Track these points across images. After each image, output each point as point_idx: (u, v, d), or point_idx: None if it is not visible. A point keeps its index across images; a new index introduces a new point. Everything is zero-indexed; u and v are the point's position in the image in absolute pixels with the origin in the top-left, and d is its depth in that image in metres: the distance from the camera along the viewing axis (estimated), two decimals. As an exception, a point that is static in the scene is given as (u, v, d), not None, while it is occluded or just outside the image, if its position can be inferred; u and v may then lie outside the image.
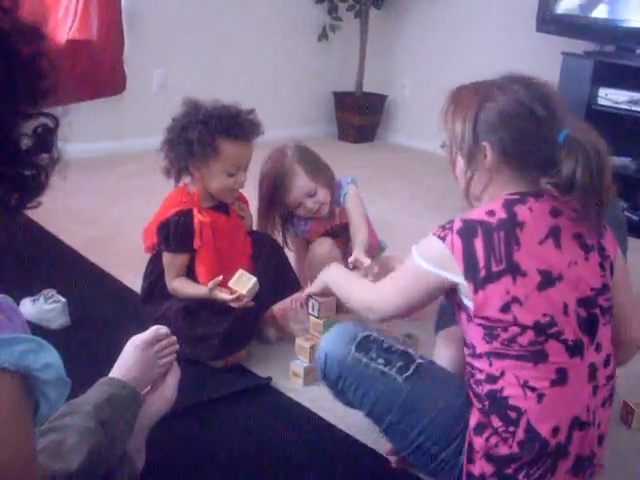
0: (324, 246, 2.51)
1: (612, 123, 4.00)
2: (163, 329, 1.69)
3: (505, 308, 1.49)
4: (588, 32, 4.11)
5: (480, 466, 1.56)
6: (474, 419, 1.58)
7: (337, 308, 2.22)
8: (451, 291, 1.59)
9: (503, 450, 1.53)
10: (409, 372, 1.66)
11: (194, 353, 2.15)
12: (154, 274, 2.35)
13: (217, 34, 4.95)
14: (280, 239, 2.57)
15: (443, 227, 1.57)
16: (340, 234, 2.60)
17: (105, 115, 4.56)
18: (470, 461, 1.58)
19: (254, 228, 2.49)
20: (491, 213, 1.54)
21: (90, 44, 4.32)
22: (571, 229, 1.56)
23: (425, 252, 1.59)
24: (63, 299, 2.40)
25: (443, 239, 1.54)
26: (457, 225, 1.54)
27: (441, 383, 1.68)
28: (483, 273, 1.50)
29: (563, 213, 1.55)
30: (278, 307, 2.45)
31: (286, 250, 2.57)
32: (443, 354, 1.87)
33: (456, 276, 1.53)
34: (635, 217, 3.87)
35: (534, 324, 1.49)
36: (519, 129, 1.56)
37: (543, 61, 4.48)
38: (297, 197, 2.47)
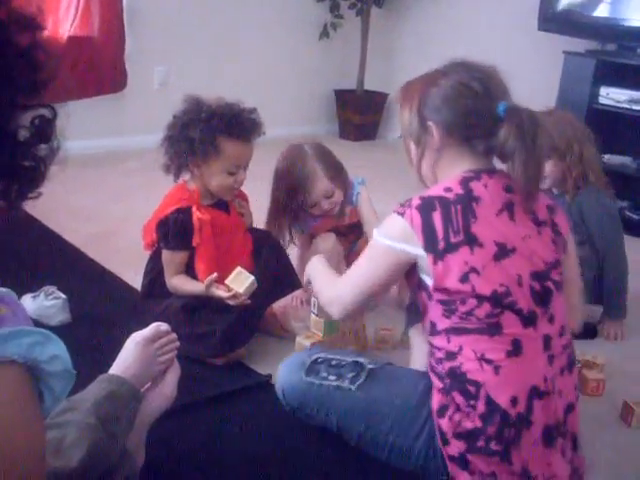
0: (328, 242, 2.51)
1: (613, 122, 4.00)
2: (163, 326, 1.69)
3: (464, 278, 1.54)
4: (590, 31, 4.11)
5: (455, 445, 1.59)
6: (436, 401, 1.62)
7: None
8: (411, 271, 1.64)
9: (467, 425, 1.57)
10: (361, 379, 1.73)
11: (194, 350, 2.15)
12: (154, 271, 2.35)
13: (218, 32, 4.94)
14: (286, 236, 2.57)
15: (402, 205, 1.62)
16: (347, 233, 2.60)
17: (106, 112, 4.56)
18: (445, 443, 1.61)
19: (261, 226, 2.50)
20: (448, 190, 1.60)
21: (91, 41, 4.33)
22: (524, 204, 1.61)
23: (386, 230, 1.64)
24: (63, 296, 2.40)
25: (402, 214, 1.59)
26: (415, 202, 1.59)
27: (395, 380, 1.75)
28: (442, 245, 1.55)
29: (516, 189, 1.61)
30: (279, 305, 2.45)
31: (287, 247, 2.57)
32: (420, 348, 1.88)
33: (417, 249, 1.57)
34: (635, 216, 3.87)
35: (492, 293, 1.54)
36: (459, 105, 1.63)
37: (544, 60, 4.49)
38: (315, 198, 2.47)
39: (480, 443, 1.56)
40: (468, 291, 1.54)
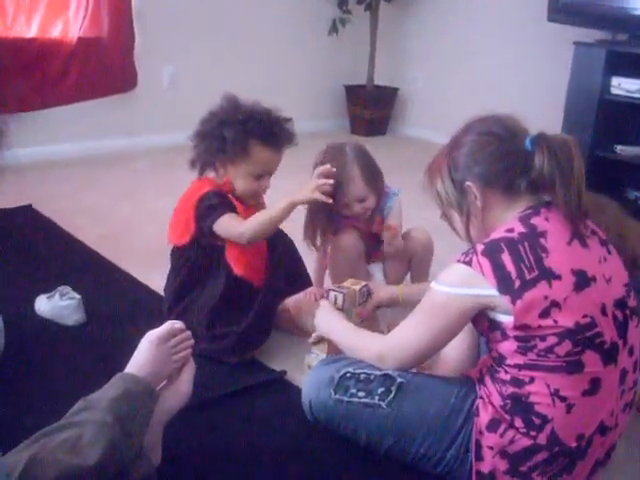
0: (350, 236, 2.51)
1: (625, 112, 3.98)
2: (178, 324, 1.69)
3: (544, 314, 1.47)
4: (600, 21, 4.08)
5: (492, 463, 1.56)
6: (486, 415, 1.57)
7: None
8: (479, 315, 1.57)
9: (519, 445, 1.52)
10: (391, 395, 1.68)
11: (211, 350, 2.16)
12: (178, 270, 2.34)
13: (227, 29, 4.94)
14: (319, 238, 2.56)
15: (465, 254, 1.55)
16: (369, 240, 2.62)
17: (116, 112, 4.57)
18: (479, 459, 1.57)
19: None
20: (510, 230, 1.54)
21: (101, 41, 4.34)
22: (572, 229, 1.55)
23: (448, 279, 1.57)
24: (78, 296, 2.41)
25: (469, 263, 1.52)
26: (479, 248, 1.53)
27: (426, 392, 1.69)
28: (518, 283, 1.47)
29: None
30: (292, 301, 2.45)
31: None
32: (448, 350, 1.86)
33: (489, 291, 1.50)
34: (648, 206, 3.85)
35: (575, 325, 1.47)
36: (487, 154, 1.59)
37: (555, 51, 4.47)
38: (348, 200, 2.46)
39: (523, 468, 1.53)
40: (550, 325, 1.47)
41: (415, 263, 2.64)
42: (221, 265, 2.25)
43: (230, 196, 2.26)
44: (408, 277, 2.71)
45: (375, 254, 2.69)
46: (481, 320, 1.58)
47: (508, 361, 1.54)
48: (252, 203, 2.34)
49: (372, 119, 5.55)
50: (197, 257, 2.29)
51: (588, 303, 1.49)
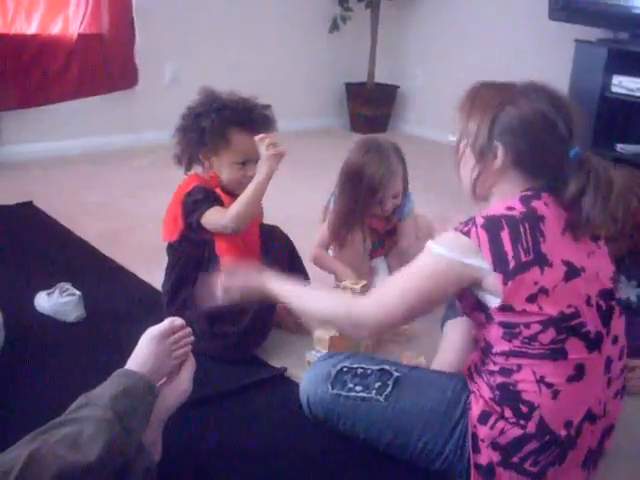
0: (357, 234, 2.55)
1: (625, 111, 3.98)
2: (178, 320, 1.69)
3: (531, 298, 1.47)
4: (601, 19, 4.08)
5: (487, 455, 1.56)
6: (477, 408, 1.57)
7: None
8: (467, 292, 1.57)
9: (509, 436, 1.53)
10: (388, 389, 1.68)
11: (211, 348, 2.16)
12: (172, 266, 2.34)
13: (228, 26, 4.94)
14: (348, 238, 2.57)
15: (465, 223, 1.53)
16: (383, 235, 2.66)
17: (118, 108, 4.57)
18: (476, 451, 1.58)
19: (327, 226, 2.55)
20: (511, 208, 1.52)
21: (101, 38, 4.34)
22: (578, 233, 1.55)
23: (447, 243, 1.53)
24: (78, 292, 2.41)
25: (467, 234, 1.50)
26: (480, 220, 1.51)
27: (423, 386, 1.69)
28: (513, 264, 1.47)
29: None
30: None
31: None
32: (452, 344, 1.88)
33: (483, 265, 1.49)
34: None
35: (558, 314, 1.48)
36: (539, 140, 1.54)
37: (556, 49, 4.46)
38: (386, 196, 2.48)
39: (514, 459, 1.53)
40: (534, 311, 1.47)
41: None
42: (211, 259, 2.25)
43: (218, 190, 2.25)
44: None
45: (380, 251, 2.70)
46: (468, 298, 1.58)
47: (495, 349, 1.55)
48: (240, 193, 2.29)
49: (372, 117, 5.54)
50: (189, 253, 2.29)
51: (574, 294, 1.50)
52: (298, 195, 3.68)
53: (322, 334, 2.16)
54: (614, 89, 3.94)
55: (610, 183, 1.52)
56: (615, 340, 1.57)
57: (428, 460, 1.67)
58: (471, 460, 1.58)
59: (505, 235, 1.48)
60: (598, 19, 4.09)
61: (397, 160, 2.50)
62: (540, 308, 1.47)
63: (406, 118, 5.73)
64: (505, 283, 1.47)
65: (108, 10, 4.30)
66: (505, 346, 1.53)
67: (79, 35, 4.25)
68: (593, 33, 4.14)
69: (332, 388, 1.75)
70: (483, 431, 1.56)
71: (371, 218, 2.58)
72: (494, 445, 1.55)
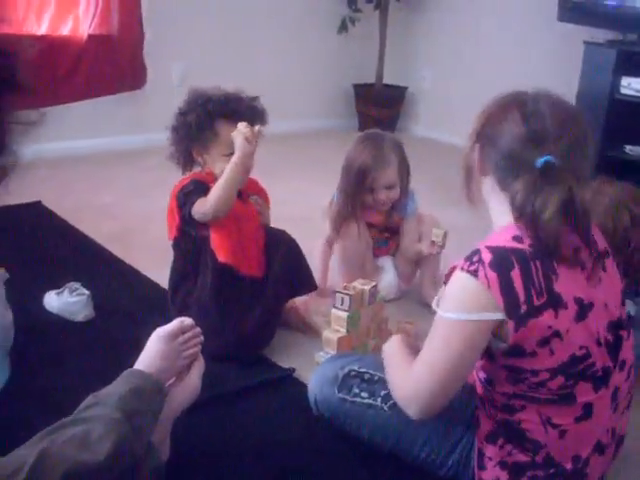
0: (357, 227, 2.58)
1: (635, 112, 3.96)
2: (187, 320, 1.69)
3: (543, 342, 1.40)
4: (610, 21, 4.07)
5: (493, 473, 1.54)
6: (486, 427, 1.55)
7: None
8: None
9: (518, 458, 1.50)
10: (393, 399, 1.64)
11: (218, 347, 2.14)
12: (174, 263, 2.35)
13: (236, 27, 4.94)
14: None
15: (469, 260, 1.41)
16: (383, 231, 2.68)
17: (127, 109, 4.57)
18: (481, 467, 1.57)
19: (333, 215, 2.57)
20: (518, 239, 1.42)
21: (111, 39, 4.34)
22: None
23: (454, 305, 1.43)
24: (87, 292, 2.41)
25: (475, 274, 1.39)
26: (487, 256, 1.39)
27: None
28: (524, 308, 1.37)
29: None
30: (300, 299, 2.45)
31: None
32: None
33: (497, 314, 1.38)
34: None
35: (569, 358, 1.41)
36: (506, 146, 1.46)
37: (565, 50, 4.45)
38: (377, 185, 2.53)
39: (524, 479, 1.51)
40: (545, 354, 1.40)
41: (425, 258, 2.65)
42: (207, 255, 2.24)
43: (212, 185, 2.23)
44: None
45: (384, 249, 2.70)
46: None
47: (497, 388, 1.50)
48: (241, 188, 2.29)
49: (381, 118, 5.53)
50: (187, 249, 2.30)
51: (586, 334, 1.43)
52: (307, 195, 3.67)
53: (330, 335, 2.15)
54: (623, 91, 3.92)
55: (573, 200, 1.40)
56: (622, 365, 1.52)
57: (433, 467, 1.67)
58: (475, 476, 1.58)
59: (516, 275, 1.38)
60: (607, 21, 4.07)
61: (392, 151, 2.56)
62: (551, 352, 1.40)
63: (414, 119, 5.73)
64: (516, 330, 1.39)
65: (118, 11, 4.31)
66: (509, 389, 1.48)
67: (89, 36, 4.26)
68: (602, 35, 4.12)
69: (339, 392, 1.75)
70: (491, 450, 1.54)
71: (367, 210, 2.60)
72: (502, 464, 1.53)
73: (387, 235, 2.71)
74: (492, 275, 1.38)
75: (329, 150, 4.91)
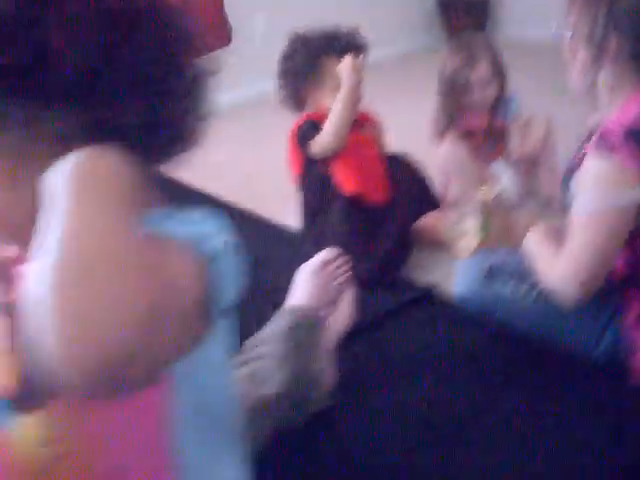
0: (453, 139, 2.53)
1: None
2: (333, 250, 1.72)
3: None
4: None
5: None
6: (634, 313, 1.54)
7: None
8: None
9: None
10: (537, 291, 1.65)
11: (357, 275, 2.18)
12: (306, 202, 2.40)
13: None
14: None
15: (595, 144, 1.39)
16: (499, 138, 2.61)
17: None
18: (632, 351, 1.56)
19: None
20: None
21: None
22: None
23: (591, 195, 1.41)
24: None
25: (608, 156, 1.36)
26: (615, 135, 1.35)
27: None
28: None
29: None
30: (427, 218, 2.45)
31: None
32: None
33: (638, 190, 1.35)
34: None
35: None
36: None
37: None
38: (472, 83, 2.48)
39: None
40: None
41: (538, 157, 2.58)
42: (334, 189, 2.30)
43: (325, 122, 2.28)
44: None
45: (493, 155, 2.64)
46: None
47: None
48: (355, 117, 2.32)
49: (468, 26, 5.36)
50: (313, 187, 2.36)
51: None
52: (404, 125, 3.56)
53: (464, 245, 2.15)
54: None
55: None
56: None
57: (585, 354, 1.67)
58: (628, 360, 1.58)
59: None
60: None
61: (485, 49, 2.49)
62: None
63: (505, 21, 5.53)
64: None
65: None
66: None
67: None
68: None
69: (485, 283, 1.78)
70: None
71: (466, 117, 2.54)
72: None
73: (494, 140, 2.64)
74: (626, 150, 1.35)
75: (421, 72, 4.76)
